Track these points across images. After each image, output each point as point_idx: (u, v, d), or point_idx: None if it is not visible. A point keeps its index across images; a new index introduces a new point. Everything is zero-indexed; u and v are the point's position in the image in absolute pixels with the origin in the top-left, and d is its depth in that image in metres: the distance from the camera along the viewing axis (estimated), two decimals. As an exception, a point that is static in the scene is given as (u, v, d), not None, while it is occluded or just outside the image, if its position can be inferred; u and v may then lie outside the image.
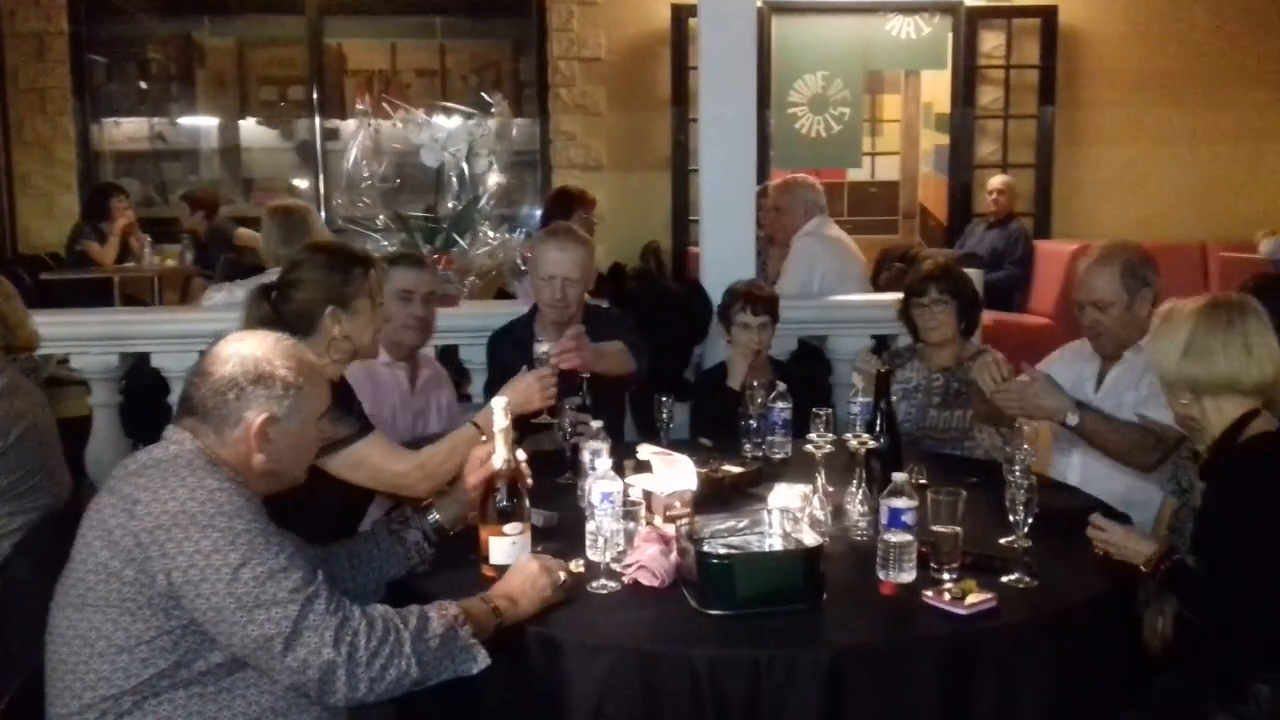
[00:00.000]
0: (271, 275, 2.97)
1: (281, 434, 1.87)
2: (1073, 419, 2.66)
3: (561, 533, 2.41)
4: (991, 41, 8.11)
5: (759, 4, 5.60)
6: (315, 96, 8.06)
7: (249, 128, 8.60)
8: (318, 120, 8.06)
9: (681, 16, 7.63)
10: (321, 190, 8.04)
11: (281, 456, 1.89)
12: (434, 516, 2.26)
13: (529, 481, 2.23)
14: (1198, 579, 2.13)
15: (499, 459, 2.16)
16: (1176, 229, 7.79)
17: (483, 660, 1.85)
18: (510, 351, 3.24)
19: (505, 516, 2.14)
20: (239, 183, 8.61)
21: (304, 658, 1.70)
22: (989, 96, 8.20)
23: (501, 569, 2.08)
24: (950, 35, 7.98)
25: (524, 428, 2.60)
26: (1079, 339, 3.30)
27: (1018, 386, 2.71)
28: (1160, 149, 8.04)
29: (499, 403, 2.22)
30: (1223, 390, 2.15)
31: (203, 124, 8.58)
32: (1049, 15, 7.95)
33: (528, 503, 2.19)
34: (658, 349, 3.58)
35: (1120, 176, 8.08)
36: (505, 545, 2.13)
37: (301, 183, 8.26)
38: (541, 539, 2.30)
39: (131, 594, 1.71)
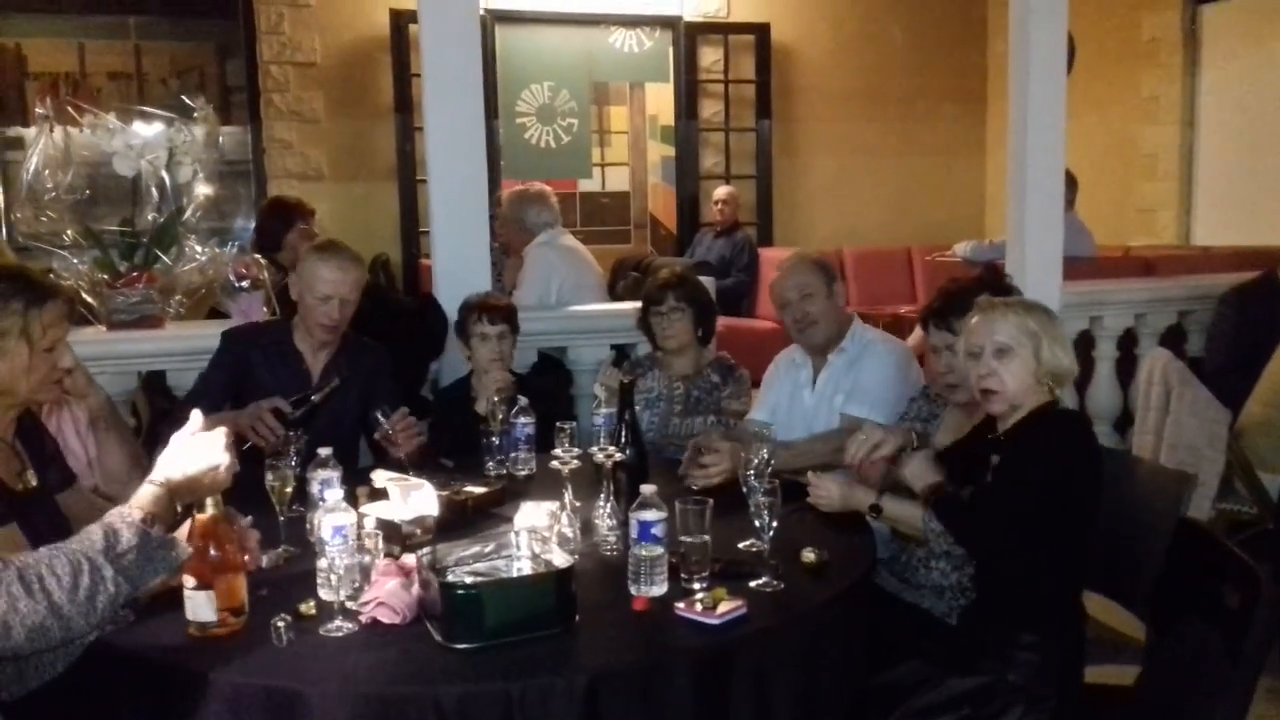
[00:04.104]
0: None
1: None
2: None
3: (291, 572, 2.21)
4: (710, 56, 8.39)
5: (481, 12, 5.50)
6: (-10, 101, 7.27)
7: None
8: (-7, 128, 7.27)
9: (401, 23, 7.43)
10: (1, 204, 7.22)
11: None
12: None
13: (240, 525, 2.05)
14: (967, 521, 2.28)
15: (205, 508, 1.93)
16: (884, 234, 8.33)
17: (183, 551, 1.82)
18: (264, 362, 3.19)
19: (216, 569, 1.90)
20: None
21: (2, 623, 1.57)
22: (710, 109, 8.48)
23: (203, 625, 1.88)
24: (671, 49, 8.19)
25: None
26: (787, 349, 3.44)
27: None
28: (866, 160, 8.59)
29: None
30: (1063, 381, 2.36)
31: None
32: (762, 32, 8.32)
33: (243, 550, 1.99)
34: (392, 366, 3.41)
35: (832, 187, 8.56)
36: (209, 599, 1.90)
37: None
38: (268, 582, 2.10)
39: None
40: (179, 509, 1.90)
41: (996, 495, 2.27)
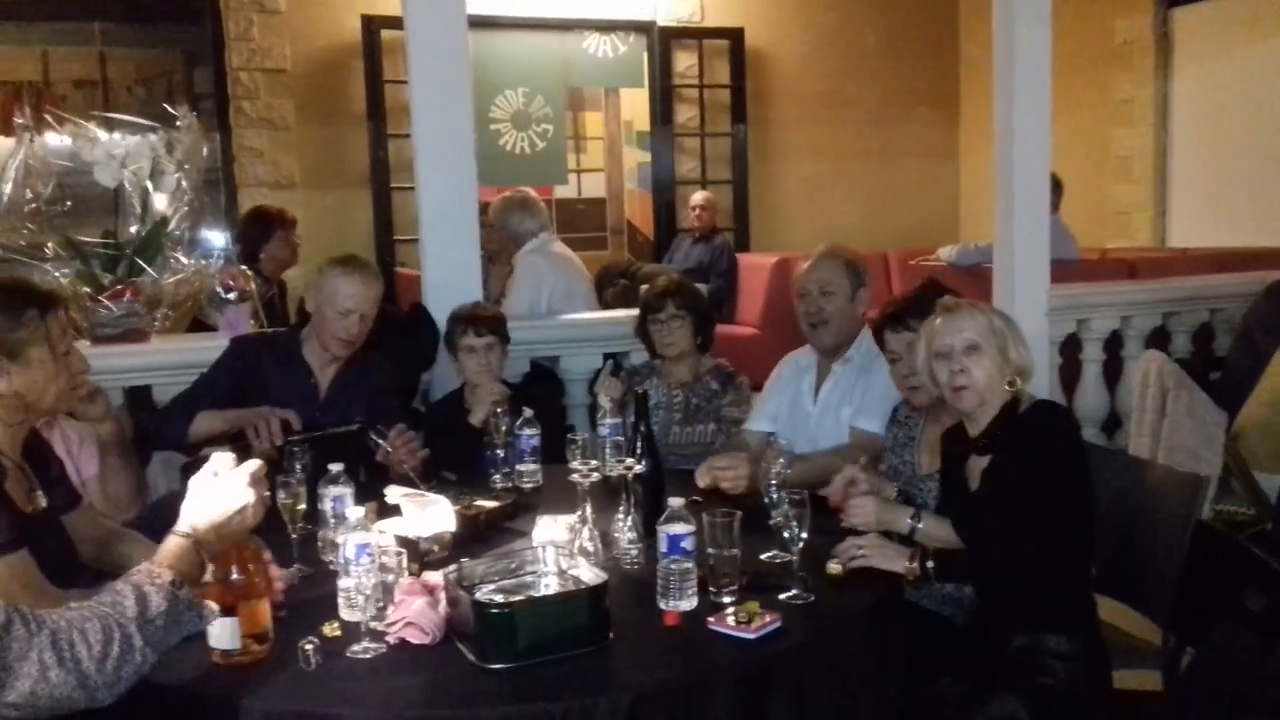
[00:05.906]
0: None
1: None
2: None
3: (308, 592, 2.15)
4: (685, 61, 8.37)
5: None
6: (-50, 110, 7.07)
7: None
8: (-46, 138, 7.07)
9: (373, 28, 7.35)
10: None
11: None
12: None
13: (267, 556, 1.98)
14: (970, 558, 2.25)
15: None
16: (860, 239, 8.26)
17: (210, 614, 1.76)
18: (279, 372, 3.17)
19: (239, 595, 1.84)
20: None
21: (29, 690, 1.49)
22: (686, 114, 8.46)
23: (227, 652, 1.82)
24: (646, 54, 8.16)
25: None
26: (793, 351, 3.37)
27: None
28: (842, 164, 8.60)
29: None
30: (1027, 378, 2.37)
31: None
32: (736, 37, 8.32)
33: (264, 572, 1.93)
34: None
35: (808, 191, 8.56)
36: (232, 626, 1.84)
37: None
38: (284, 603, 2.04)
39: None
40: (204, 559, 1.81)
41: (998, 519, 2.23)
